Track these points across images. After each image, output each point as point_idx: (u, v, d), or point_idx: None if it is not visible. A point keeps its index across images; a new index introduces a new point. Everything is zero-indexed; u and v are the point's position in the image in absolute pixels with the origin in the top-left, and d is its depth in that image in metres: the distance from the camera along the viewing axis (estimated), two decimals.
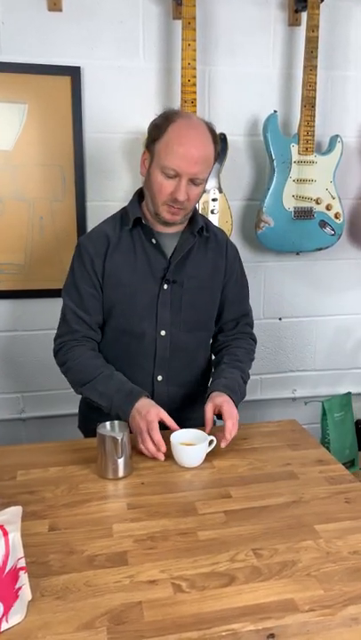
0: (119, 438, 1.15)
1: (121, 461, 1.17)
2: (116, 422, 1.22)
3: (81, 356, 1.38)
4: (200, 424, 1.32)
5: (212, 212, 1.94)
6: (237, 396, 1.35)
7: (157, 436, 1.23)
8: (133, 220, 1.38)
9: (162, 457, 1.23)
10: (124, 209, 1.45)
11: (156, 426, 1.24)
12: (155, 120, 1.32)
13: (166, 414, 1.28)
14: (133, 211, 1.39)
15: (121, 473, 1.18)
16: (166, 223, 1.36)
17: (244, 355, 1.48)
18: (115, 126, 1.93)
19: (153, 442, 1.24)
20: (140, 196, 1.42)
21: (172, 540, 0.98)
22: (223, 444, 1.25)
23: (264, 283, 2.20)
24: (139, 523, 1.02)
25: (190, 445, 1.23)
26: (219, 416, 1.32)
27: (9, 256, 1.94)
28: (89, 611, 0.81)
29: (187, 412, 1.48)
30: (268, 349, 2.28)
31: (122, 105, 1.92)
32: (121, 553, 0.94)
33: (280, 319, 2.26)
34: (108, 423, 1.22)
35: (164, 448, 1.23)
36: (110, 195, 1.97)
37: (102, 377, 1.34)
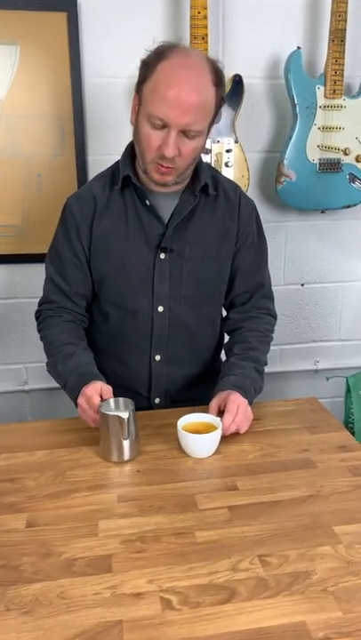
0: (125, 417, 1.01)
1: (127, 443, 1.04)
2: (121, 399, 1.09)
3: (52, 327, 1.24)
4: (205, 404, 1.17)
5: (227, 164, 1.74)
6: (250, 394, 1.18)
7: (91, 414, 1.08)
8: (123, 178, 1.20)
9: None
10: (116, 164, 1.26)
11: (95, 401, 1.08)
12: (146, 56, 1.10)
13: (108, 390, 1.11)
14: (123, 167, 1.20)
15: (127, 455, 1.05)
16: (157, 183, 1.16)
17: (258, 339, 1.29)
18: (117, 70, 1.72)
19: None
20: (132, 149, 1.22)
21: (165, 541, 0.84)
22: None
23: (285, 245, 2.00)
24: (129, 519, 0.89)
25: (199, 432, 1.07)
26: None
27: (5, 218, 1.79)
28: (59, 631, 0.69)
29: (190, 392, 1.33)
30: (289, 318, 2.10)
31: (125, 45, 1.71)
32: (105, 557, 0.81)
33: (302, 285, 2.07)
34: (111, 400, 1.08)
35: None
36: (114, 147, 1.76)
37: (63, 355, 1.19)
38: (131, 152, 1.22)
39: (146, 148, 1.11)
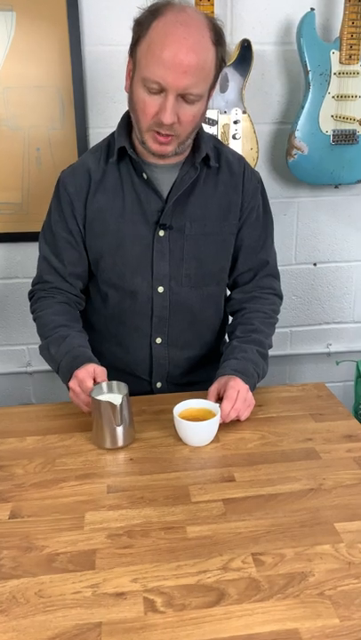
0: (117, 404, 0.96)
1: (120, 429, 0.99)
2: (115, 383, 1.03)
3: (45, 309, 1.18)
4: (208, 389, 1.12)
5: (235, 137, 1.65)
6: (252, 379, 1.12)
7: (84, 397, 1.03)
8: (118, 150, 1.12)
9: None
10: (111, 135, 1.18)
11: (87, 385, 1.03)
12: (139, 15, 1.02)
13: (102, 372, 1.05)
14: (119, 138, 1.13)
15: (120, 442, 1.00)
16: (155, 155, 1.09)
17: (261, 321, 1.22)
18: (119, 37, 1.63)
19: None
20: (128, 118, 1.14)
21: (153, 536, 0.79)
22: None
23: (296, 222, 1.91)
24: (117, 511, 0.84)
25: (197, 419, 1.02)
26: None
27: (4, 195, 1.73)
28: (33, 633, 0.64)
29: (193, 375, 1.28)
30: (301, 299, 2.02)
31: (126, 10, 1.61)
32: (88, 552, 0.76)
33: (315, 264, 1.98)
34: (104, 384, 1.03)
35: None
36: (116, 120, 1.63)
37: (56, 337, 1.13)
38: (127, 122, 1.15)
39: (141, 115, 1.03)
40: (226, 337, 1.31)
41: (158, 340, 1.24)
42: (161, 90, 0.99)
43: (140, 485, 0.90)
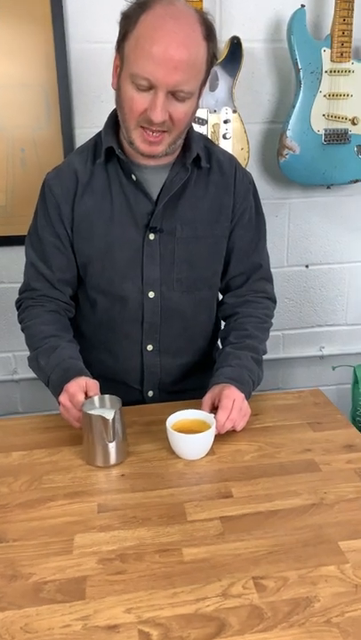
0: (109, 418, 0.91)
1: (112, 446, 0.94)
2: (107, 397, 0.99)
3: (34, 318, 1.13)
4: (202, 396, 1.07)
5: (225, 136, 1.61)
6: (247, 387, 1.07)
7: (75, 412, 0.98)
8: (105, 150, 1.07)
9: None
10: (98, 135, 1.14)
11: (78, 399, 0.98)
12: (126, 8, 0.96)
13: (94, 386, 1.00)
14: (106, 138, 1.08)
15: (113, 459, 0.95)
16: (144, 155, 1.03)
17: (255, 326, 1.18)
18: (105, 34, 1.58)
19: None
20: (115, 117, 1.09)
21: (147, 560, 0.74)
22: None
23: (288, 224, 1.88)
24: (108, 533, 0.79)
25: (191, 431, 0.97)
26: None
27: None
28: None
29: (185, 383, 1.23)
30: (293, 302, 1.98)
31: (113, 6, 1.56)
32: (78, 579, 0.71)
33: (307, 266, 1.95)
34: (96, 398, 0.98)
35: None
36: (103, 119, 1.59)
37: (45, 348, 1.08)
38: (114, 121, 1.10)
39: (129, 113, 0.99)
40: (218, 343, 1.27)
41: (149, 348, 1.19)
42: (150, 87, 0.95)
43: (133, 504, 0.85)
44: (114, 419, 0.92)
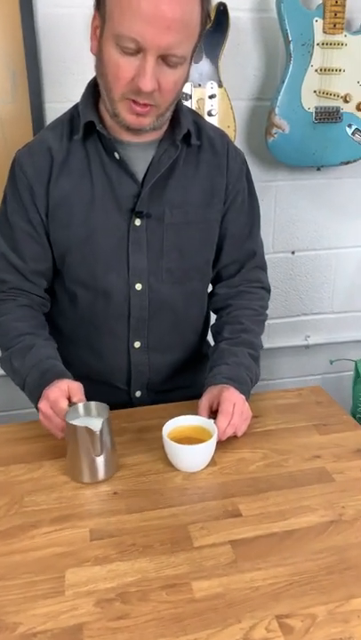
0: (97, 430, 0.80)
1: (100, 460, 0.83)
2: (93, 403, 0.88)
3: (5, 314, 1.02)
4: (194, 395, 1.00)
5: (210, 113, 1.49)
6: (246, 387, 0.98)
7: (58, 421, 0.87)
8: (84, 125, 0.95)
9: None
10: (75, 108, 1.01)
11: (61, 406, 0.87)
12: None
13: (77, 390, 0.90)
14: (85, 111, 0.95)
15: (101, 475, 0.84)
16: (131, 128, 0.92)
17: (251, 319, 1.09)
18: None
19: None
20: (94, 89, 0.97)
21: (153, 599, 0.64)
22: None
23: (274, 208, 1.78)
24: (105, 566, 0.69)
25: (190, 439, 0.87)
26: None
27: None
28: None
29: (175, 381, 1.14)
30: (278, 290, 1.89)
31: None
32: (74, 628, 0.61)
33: (293, 253, 1.86)
34: (81, 405, 0.87)
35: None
36: (76, 92, 1.43)
37: (20, 348, 0.97)
38: (93, 92, 0.98)
39: (114, 82, 0.86)
40: (209, 337, 1.18)
41: (137, 345, 1.08)
42: (138, 50, 0.82)
43: (130, 528, 0.75)
44: (101, 430, 0.81)
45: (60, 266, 1.04)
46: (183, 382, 1.14)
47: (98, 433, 0.80)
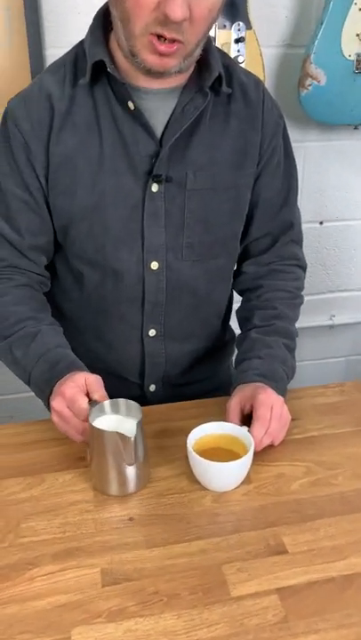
0: (131, 437, 0.67)
1: (132, 470, 0.70)
2: (121, 401, 0.75)
3: (1, 297, 0.87)
4: (214, 388, 0.90)
5: (236, 60, 1.29)
6: (283, 384, 0.85)
7: (77, 423, 0.74)
8: (92, 65, 0.78)
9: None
10: (80, 45, 0.84)
11: (81, 405, 0.73)
12: None
13: (97, 384, 0.76)
14: (93, 49, 0.78)
15: (132, 488, 0.72)
16: (153, 72, 0.75)
17: (285, 303, 0.94)
18: None
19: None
20: (105, 20, 0.80)
21: None
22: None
23: (303, 172, 1.59)
24: (121, 623, 0.55)
25: (219, 450, 0.73)
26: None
27: None
28: None
29: (194, 373, 1.00)
30: None
31: None
32: None
33: (321, 223, 1.69)
34: (107, 404, 0.74)
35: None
36: (79, 36, 1.31)
37: (21, 335, 0.83)
38: (103, 24, 0.81)
39: (134, 9, 0.70)
40: (233, 323, 1.03)
41: (152, 333, 0.94)
42: None
43: (151, 568, 0.61)
44: (136, 436, 0.67)
45: (61, 240, 0.89)
46: (203, 374, 1.02)
47: (132, 440, 0.67)
